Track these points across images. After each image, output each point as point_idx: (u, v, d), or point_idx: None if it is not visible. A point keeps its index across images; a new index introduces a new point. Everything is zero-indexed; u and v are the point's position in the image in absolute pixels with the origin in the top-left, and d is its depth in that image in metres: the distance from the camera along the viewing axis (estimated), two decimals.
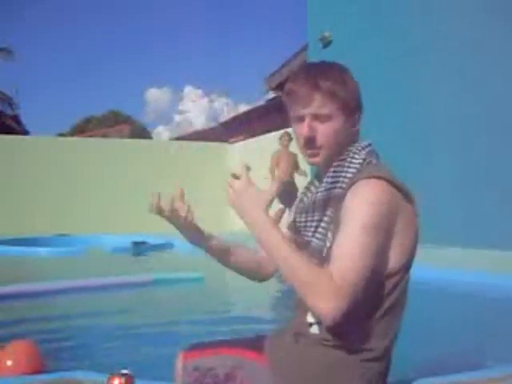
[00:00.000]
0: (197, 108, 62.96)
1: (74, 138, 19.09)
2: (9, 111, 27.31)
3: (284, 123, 10.94)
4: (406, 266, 1.36)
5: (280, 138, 9.59)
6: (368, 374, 1.34)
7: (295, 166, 9.43)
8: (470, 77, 6.86)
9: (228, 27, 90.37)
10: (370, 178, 1.31)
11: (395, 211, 1.31)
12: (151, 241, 9.39)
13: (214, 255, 1.58)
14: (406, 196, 1.35)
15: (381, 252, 1.29)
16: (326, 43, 9.54)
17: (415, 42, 7.73)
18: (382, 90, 8.24)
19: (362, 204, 1.28)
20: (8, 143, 13.54)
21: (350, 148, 1.41)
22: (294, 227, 1.49)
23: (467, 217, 6.71)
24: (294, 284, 1.24)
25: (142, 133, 35.11)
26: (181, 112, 70.05)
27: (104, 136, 22.65)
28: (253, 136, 13.78)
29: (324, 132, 1.38)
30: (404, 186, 1.35)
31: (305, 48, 11.73)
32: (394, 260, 1.33)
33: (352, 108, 1.40)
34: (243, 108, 26.00)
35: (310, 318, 1.37)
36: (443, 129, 7.25)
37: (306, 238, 1.43)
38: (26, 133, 25.83)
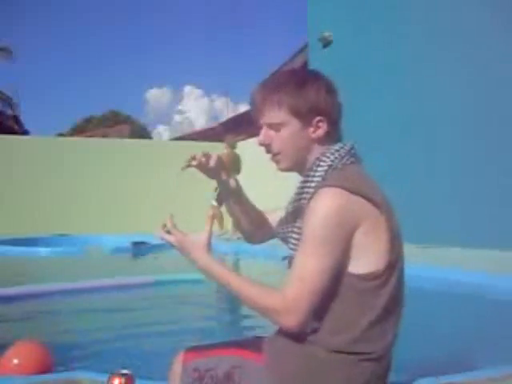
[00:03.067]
0: (197, 108, 62.99)
1: (74, 138, 19.07)
2: (9, 111, 27.33)
3: None
4: (389, 269, 1.36)
5: (226, 144, 10.90)
6: (366, 375, 1.34)
7: (235, 168, 10.46)
8: (471, 78, 6.86)
9: (228, 27, 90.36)
10: (326, 187, 1.35)
11: (355, 216, 1.32)
12: (151, 241, 9.38)
13: (230, 194, 1.63)
14: (370, 200, 1.35)
15: (339, 260, 1.33)
16: (326, 43, 9.54)
17: (416, 41, 7.74)
18: (383, 90, 8.24)
19: (313, 218, 1.33)
20: (8, 143, 13.52)
21: (318, 155, 1.44)
22: (279, 236, 1.57)
23: (467, 217, 6.71)
24: (254, 309, 1.37)
25: (142, 133, 35.14)
26: (181, 112, 70.06)
27: (104, 136, 22.65)
28: (253, 136, 13.78)
29: (278, 139, 1.46)
30: (366, 190, 1.36)
31: (305, 48, 11.73)
32: (369, 263, 1.34)
33: (307, 113, 1.42)
34: (243, 108, 25.99)
35: None
36: (444, 129, 7.25)
37: (287, 247, 1.50)
38: (25, 133, 25.86)
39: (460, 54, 7.01)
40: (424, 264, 4.99)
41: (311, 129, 1.44)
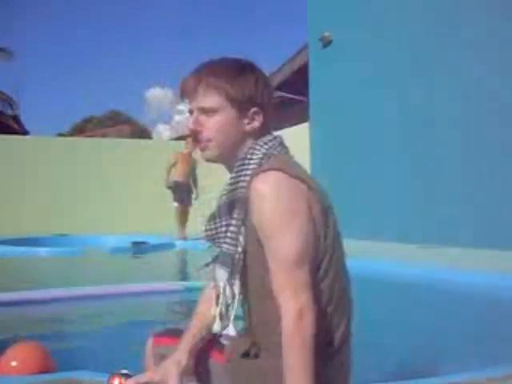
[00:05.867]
0: None
1: (74, 138, 19.07)
2: (9, 111, 27.28)
3: (284, 123, 10.94)
4: (329, 250, 1.33)
5: (186, 143, 10.68)
6: (329, 367, 1.32)
7: (191, 169, 10.50)
8: (473, 78, 6.86)
9: (228, 27, 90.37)
10: (265, 171, 1.29)
11: (300, 197, 1.28)
12: (151, 241, 9.38)
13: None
14: (310, 188, 1.31)
15: (309, 234, 1.27)
16: (326, 43, 9.54)
17: (416, 40, 7.73)
18: (383, 90, 8.24)
19: (264, 200, 1.26)
20: (8, 143, 13.53)
21: (251, 145, 1.39)
22: (206, 235, 1.45)
23: (467, 217, 6.71)
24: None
25: (141, 133, 35.12)
26: (181, 112, 70.04)
27: (104, 136, 22.65)
28: None
29: (210, 125, 1.37)
30: (301, 174, 1.32)
31: (305, 48, 11.73)
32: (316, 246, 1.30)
33: (244, 103, 1.37)
34: None
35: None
36: (445, 129, 7.25)
37: (219, 245, 1.40)
38: (25, 133, 25.81)
39: (461, 55, 7.00)
40: (424, 264, 5.00)
41: (246, 120, 1.39)
